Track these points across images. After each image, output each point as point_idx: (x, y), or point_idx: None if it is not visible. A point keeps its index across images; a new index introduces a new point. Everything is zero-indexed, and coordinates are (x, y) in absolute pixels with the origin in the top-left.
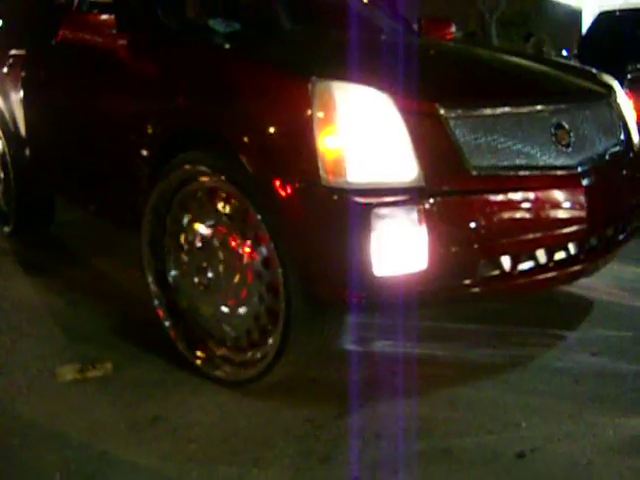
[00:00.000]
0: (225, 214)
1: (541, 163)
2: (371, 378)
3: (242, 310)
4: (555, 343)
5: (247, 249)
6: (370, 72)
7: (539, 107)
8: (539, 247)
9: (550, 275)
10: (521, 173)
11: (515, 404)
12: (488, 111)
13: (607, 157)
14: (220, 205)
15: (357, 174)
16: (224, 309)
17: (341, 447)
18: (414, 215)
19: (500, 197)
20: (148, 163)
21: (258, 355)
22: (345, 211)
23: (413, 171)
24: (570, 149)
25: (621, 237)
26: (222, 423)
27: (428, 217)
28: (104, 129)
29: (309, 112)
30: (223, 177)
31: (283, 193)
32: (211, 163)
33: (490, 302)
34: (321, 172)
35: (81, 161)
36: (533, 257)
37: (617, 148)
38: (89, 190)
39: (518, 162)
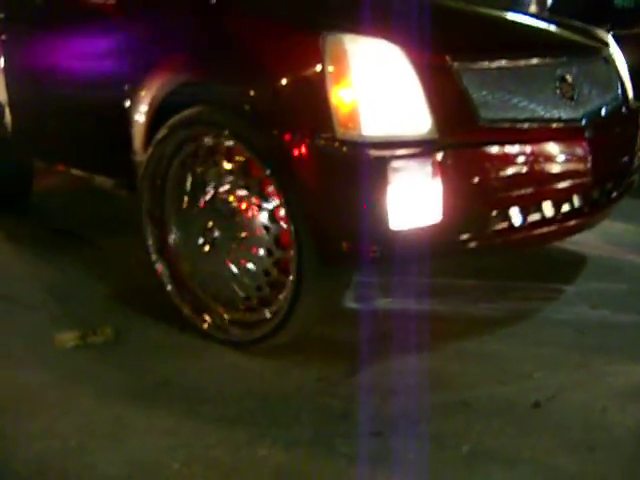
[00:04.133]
0: (230, 172)
1: (547, 116)
2: (378, 336)
3: (250, 268)
4: (554, 297)
5: (255, 206)
6: (380, 25)
7: (545, 60)
8: (547, 199)
9: (557, 227)
10: (529, 125)
11: (523, 356)
12: (497, 63)
13: (607, 111)
14: (224, 163)
15: (371, 127)
16: (232, 268)
17: (358, 403)
18: (428, 167)
19: (509, 149)
20: (144, 123)
21: (267, 314)
22: (360, 164)
23: (426, 123)
24: (574, 102)
25: (619, 191)
26: (234, 384)
27: (442, 169)
28: (95, 90)
29: (321, 66)
30: (228, 133)
31: (295, 148)
32: (215, 119)
33: (491, 257)
34: (335, 126)
35: (72, 124)
36: (541, 209)
37: (615, 102)
38: (79, 154)
39: (526, 115)
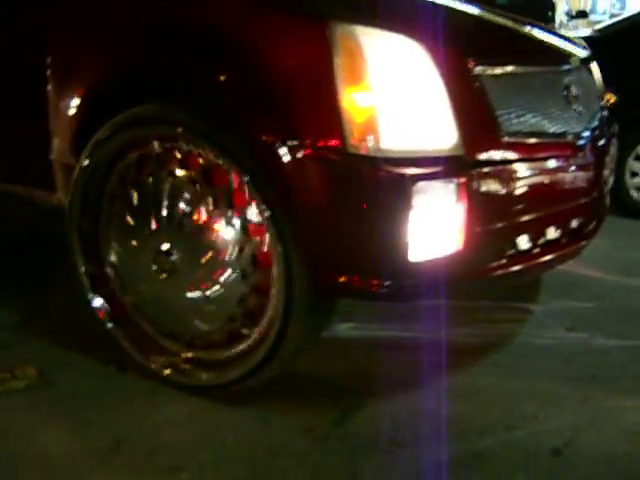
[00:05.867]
0: (200, 186)
1: (560, 129)
2: (354, 370)
3: (218, 302)
4: (524, 318)
5: (230, 228)
6: (397, 19)
7: (556, 68)
8: (561, 219)
9: (571, 247)
10: (546, 140)
11: (519, 392)
12: (517, 69)
13: (599, 123)
14: (193, 173)
15: (392, 140)
16: (193, 301)
17: (359, 461)
18: (454, 189)
19: (530, 167)
20: (73, 119)
21: (238, 352)
22: (377, 184)
23: (452, 137)
24: (578, 114)
25: (604, 210)
26: (205, 442)
27: (466, 191)
28: (8, 85)
29: (329, 63)
30: (197, 136)
31: (293, 161)
32: (180, 119)
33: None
34: (346, 136)
35: None
36: (560, 229)
37: (601, 114)
38: None
39: (543, 128)
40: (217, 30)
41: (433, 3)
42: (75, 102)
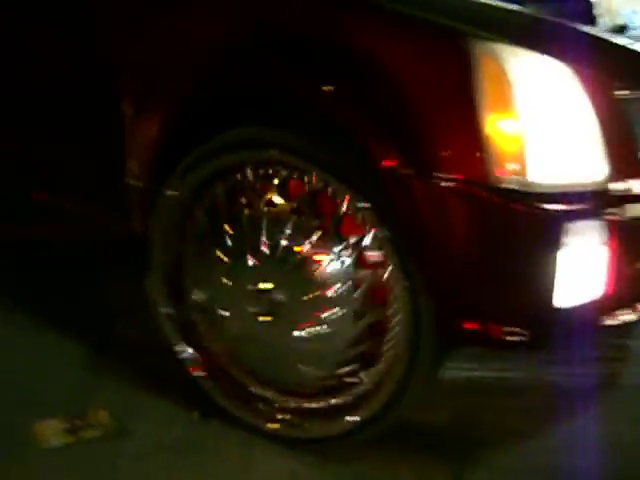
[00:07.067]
0: (309, 219)
1: None
2: (460, 418)
3: (327, 346)
4: (622, 355)
5: (344, 268)
6: (539, 39)
7: None
8: None
9: None
10: None
11: None
12: None
13: None
14: (312, 207)
15: (541, 172)
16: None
17: None
18: (606, 227)
19: None
20: (154, 139)
21: (347, 402)
22: (524, 222)
23: (604, 169)
24: None
25: None
26: None
27: (617, 229)
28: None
29: (468, 85)
30: (308, 164)
31: (425, 192)
32: (289, 143)
33: None
34: (489, 168)
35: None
36: None
37: None
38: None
39: None
40: (334, 41)
41: (560, 23)
42: (155, 124)
